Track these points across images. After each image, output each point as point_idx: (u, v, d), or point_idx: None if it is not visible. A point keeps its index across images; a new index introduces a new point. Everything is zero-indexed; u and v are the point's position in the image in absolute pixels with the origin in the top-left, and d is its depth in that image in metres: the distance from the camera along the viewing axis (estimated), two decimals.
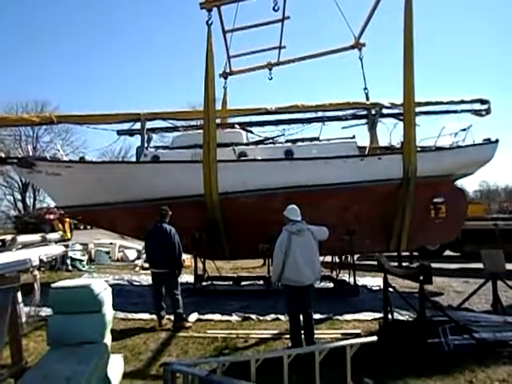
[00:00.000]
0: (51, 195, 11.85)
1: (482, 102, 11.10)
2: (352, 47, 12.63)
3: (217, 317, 7.20)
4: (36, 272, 5.89)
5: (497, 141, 10.24)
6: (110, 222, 10.26)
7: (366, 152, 10.35)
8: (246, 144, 10.89)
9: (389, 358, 5.00)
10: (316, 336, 5.54)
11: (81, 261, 13.90)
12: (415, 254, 12.15)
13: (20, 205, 39.09)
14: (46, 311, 6.23)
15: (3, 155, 10.67)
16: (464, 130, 10.43)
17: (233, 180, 9.22)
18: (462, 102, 11.07)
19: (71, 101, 58.92)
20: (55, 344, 3.80)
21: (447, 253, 15.40)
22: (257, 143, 11.22)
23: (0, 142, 30.43)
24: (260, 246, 9.34)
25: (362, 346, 4.26)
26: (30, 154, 10.99)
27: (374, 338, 4.55)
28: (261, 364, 3.86)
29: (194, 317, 7.09)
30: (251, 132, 11.50)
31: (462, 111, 11.14)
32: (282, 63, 13.51)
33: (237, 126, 11.47)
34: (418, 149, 9.54)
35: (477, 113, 11.21)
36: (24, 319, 5.72)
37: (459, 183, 13.60)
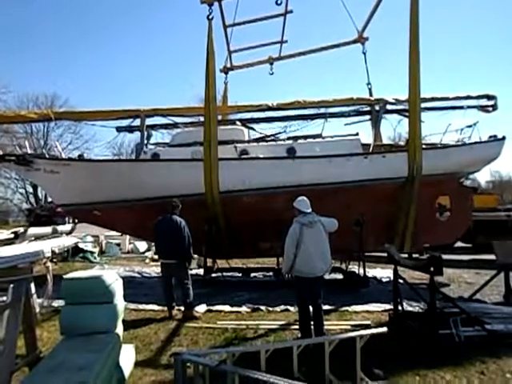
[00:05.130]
0: (49, 193, 11.82)
1: (489, 97, 10.93)
2: (355, 41, 12.48)
3: (226, 308, 7.24)
4: (49, 263, 5.98)
5: (503, 138, 10.07)
6: (109, 221, 10.15)
7: (370, 150, 10.20)
8: (248, 141, 10.76)
9: (399, 350, 5.00)
10: (325, 327, 5.55)
11: (92, 252, 14.10)
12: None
13: (32, 198, 39.53)
14: (58, 302, 6.34)
15: (0, 152, 10.51)
16: (470, 126, 10.28)
17: (234, 178, 9.11)
18: (469, 97, 10.91)
19: (81, 95, 59.30)
20: (68, 334, 3.87)
21: (459, 244, 15.26)
22: (258, 140, 11.08)
23: (12, 136, 30.71)
24: (261, 244, 9.33)
25: (371, 337, 4.25)
26: (29, 151, 10.86)
27: (384, 329, 4.54)
28: (270, 354, 3.88)
29: (203, 308, 7.15)
30: (252, 129, 11.40)
31: (469, 107, 10.98)
32: (284, 58, 13.38)
33: (238, 122, 11.37)
34: (424, 146, 9.37)
35: (483, 109, 11.04)
36: (37, 309, 5.83)
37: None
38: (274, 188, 9.19)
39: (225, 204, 9.05)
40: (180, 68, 72.37)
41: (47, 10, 64.06)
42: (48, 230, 9.73)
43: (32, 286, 4.68)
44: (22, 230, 8.06)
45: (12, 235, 7.43)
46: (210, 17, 8.90)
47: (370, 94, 11.93)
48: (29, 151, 10.89)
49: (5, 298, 5.05)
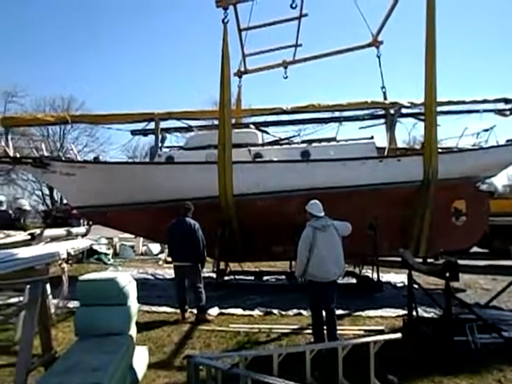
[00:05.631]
0: (65, 195, 11.99)
1: (507, 101, 10.74)
2: (369, 45, 12.39)
3: (239, 311, 7.24)
4: (64, 265, 6.06)
5: None
6: (124, 223, 10.22)
7: (385, 153, 10.11)
8: (262, 145, 10.76)
9: (413, 356, 4.93)
10: (338, 332, 5.50)
11: (106, 254, 14.26)
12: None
13: (48, 200, 40.17)
14: (73, 303, 6.42)
15: (17, 155, 10.73)
16: (486, 130, 10.14)
17: (248, 182, 9.12)
18: (485, 101, 10.75)
19: (97, 97, 60.14)
20: (82, 335, 3.92)
21: (475, 249, 15.01)
22: (272, 144, 11.07)
23: (29, 139, 31.31)
24: (274, 248, 9.31)
25: (385, 343, 4.21)
26: (45, 153, 11.07)
27: (398, 334, 4.50)
28: (283, 358, 3.87)
29: (215, 310, 7.16)
30: (266, 132, 11.38)
31: (485, 111, 10.81)
32: (298, 61, 13.30)
33: (252, 126, 11.39)
34: (439, 150, 9.25)
35: (500, 112, 10.85)
36: (53, 310, 5.91)
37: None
38: (288, 191, 9.15)
39: (238, 207, 9.06)
40: (190, 71, 72.73)
41: (63, 12, 65.03)
42: (63, 231, 9.87)
43: (48, 287, 4.76)
44: (38, 231, 8.18)
45: (29, 237, 7.54)
46: (226, 20, 8.89)
47: (385, 98, 11.85)
48: (45, 154, 11.08)
49: (21, 299, 5.16)
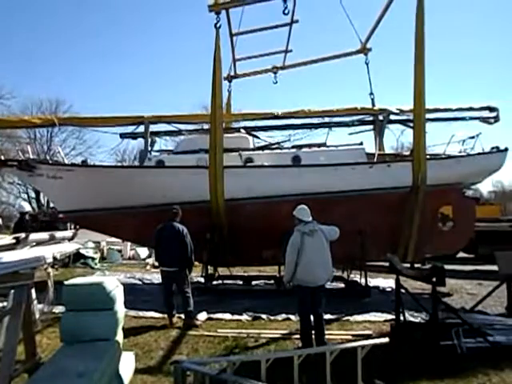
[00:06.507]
0: (52, 199, 11.82)
1: (491, 109, 11.02)
2: (358, 52, 12.51)
3: (227, 316, 7.21)
4: (50, 269, 5.97)
5: (506, 149, 10.10)
6: (112, 227, 10.09)
7: (375, 159, 10.22)
8: (253, 149, 10.78)
9: (400, 360, 4.95)
10: (326, 337, 5.51)
11: (93, 259, 14.09)
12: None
13: (35, 203, 39.58)
14: (59, 308, 6.32)
15: (2, 157, 10.53)
16: (472, 137, 10.33)
17: (239, 186, 9.11)
18: (471, 109, 11.02)
19: (85, 100, 59.64)
20: (68, 340, 3.86)
21: (461, 254, 15.19)
22: (263, 148, 11.11)
23: (16, 141, 30.87)
24: (264, 253, 9.32)
25: (373, 348, 4.23)
26: (31, 156, 10.87)
27: (386, 339, 4.52)
28: (271, 363, 3.86)
29: (203, 316, 7.12)
30: (257, 137, 11.43)
31: (471, 118, 11.07)
32: (288, 67, 13.42)
33: (243, 130, 11.41)
34: (428, 156, 9.38)
35: (485, 120, 11.12)
36: (38, 316, 5.81)
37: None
38: (279, 196, 9.17)
39: (229, 212, 9.03)
40: (179, 75, 72.53)
41: (51, 12, 64.32)
42: (46, 236, 9.72)
43: (33, 291, 4.68)
44: (23, 235, 8.04)
45: (14, 240, 7.42)
46: (218, 25, 8.86)
47: (373, 104, 11.98)
48: (32, 156, 10.90)
49: (5, 304, 5.06)
